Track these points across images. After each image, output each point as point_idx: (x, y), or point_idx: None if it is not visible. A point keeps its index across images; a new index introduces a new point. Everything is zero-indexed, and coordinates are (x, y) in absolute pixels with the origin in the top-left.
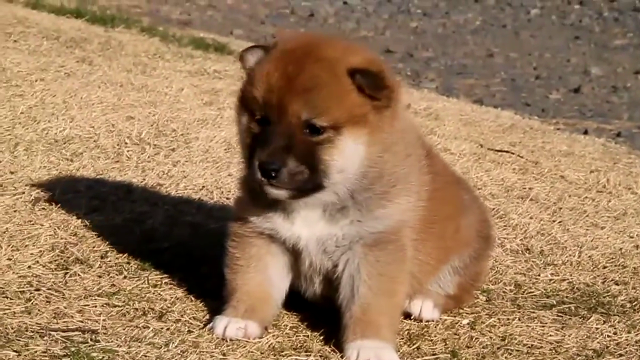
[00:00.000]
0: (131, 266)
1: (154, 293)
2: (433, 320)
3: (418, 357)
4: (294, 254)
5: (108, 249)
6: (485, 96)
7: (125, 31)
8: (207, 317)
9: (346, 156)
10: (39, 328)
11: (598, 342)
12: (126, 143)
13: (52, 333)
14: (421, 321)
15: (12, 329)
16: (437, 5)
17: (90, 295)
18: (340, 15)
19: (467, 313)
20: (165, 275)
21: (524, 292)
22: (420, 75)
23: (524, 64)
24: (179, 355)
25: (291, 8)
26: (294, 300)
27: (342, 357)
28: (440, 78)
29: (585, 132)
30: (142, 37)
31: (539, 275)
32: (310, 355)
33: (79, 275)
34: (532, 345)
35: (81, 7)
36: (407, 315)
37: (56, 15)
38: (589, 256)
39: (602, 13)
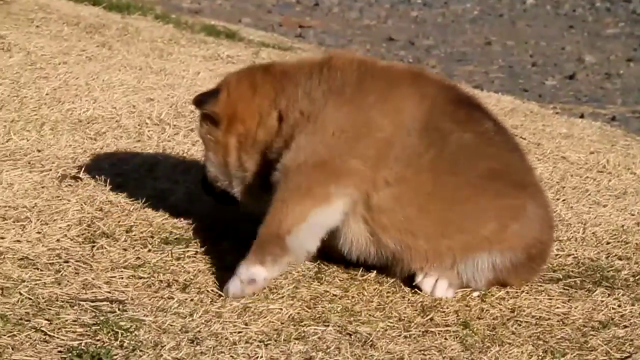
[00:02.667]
0: (155, 240)
1: (177, 266)
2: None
3: (432, 327)
4: None
5: (132, 224)
6: (485, 82)
7: (141, 18)
8: None
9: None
10: (68, 298)
11: (603, 314)
12: (147, 123)
13: (82, 303)
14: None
15: (43, 298)
16: None
17: (116, 268)
18: (343, 4)
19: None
20: (188, 249)
21: None
22: (421, 62)
23: (520, 52)
24: (203, 325)
25: None
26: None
27: None
28: (441, 65)
29: (582, 116)
30: (157, 24)
31: None
32: (328, 326)
33: (105, 248)
34: (540, 317)
35: None
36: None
37: (75, 2)
38: (593, 232)
39: (594, 3)
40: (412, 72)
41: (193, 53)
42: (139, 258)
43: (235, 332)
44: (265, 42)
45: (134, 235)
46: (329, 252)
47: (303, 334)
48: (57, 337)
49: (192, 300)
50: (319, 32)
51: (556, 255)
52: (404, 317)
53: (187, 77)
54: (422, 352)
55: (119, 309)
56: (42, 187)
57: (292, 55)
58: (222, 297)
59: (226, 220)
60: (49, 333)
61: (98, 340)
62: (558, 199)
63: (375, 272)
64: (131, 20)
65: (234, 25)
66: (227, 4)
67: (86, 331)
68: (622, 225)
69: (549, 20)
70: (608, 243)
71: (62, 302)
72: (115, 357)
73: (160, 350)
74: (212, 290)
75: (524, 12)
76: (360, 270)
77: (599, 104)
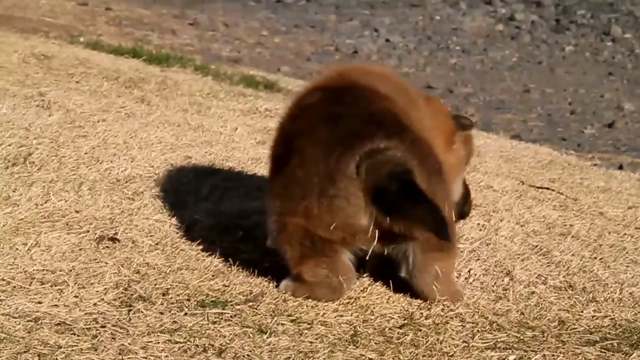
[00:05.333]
0: (191, 303)
1: (213, 329)
2: None
3: None
4: None
5: (169, 286)
6: (523, 131)
7: (180, 70)
8: (264, 353)
9: None
10: None
11: None
12: (184, 182)
13: None
14: None
15: None
16: (475, 42)
17: (153, 332)
18: (382, 52)
19: (514, 349)
20: (225, 312)
21: (567, 328)
22: (460, 111)
23: (559, 100)
24: None
25: (335, 46)
26: (351, 336)
27: None
28: (479, 113)
29: (620, 167)
30: (196, 76)
31: (582, 311)
32: None
33: (141, 312)
34: None
35: (137, 47)
36: None
37: (115, 55)
38: (630, 293)
39: (633, 50)
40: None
41: (231, 107)
42: (175, 322)
43: None
44: None
45: (171, 298)
46: None
47: None
48: None
49: None
50: None
51: (593, 316)
52: None
53: (224, 133)
54: None
55: None
56: (80, 250)
57: None
58: None
59: (264, 282)
60: None
61: None
62: (595, 258)
63: (411, 334)
64: (170, 73)
65: (272, 74)
66: (267, 52)
67: None
68: None
69: (588, 68)
70: None
71: None
72: None
73: None
74: (247, 355)
75: (563, 59)
76: (396, 332)
77: (638, 153)
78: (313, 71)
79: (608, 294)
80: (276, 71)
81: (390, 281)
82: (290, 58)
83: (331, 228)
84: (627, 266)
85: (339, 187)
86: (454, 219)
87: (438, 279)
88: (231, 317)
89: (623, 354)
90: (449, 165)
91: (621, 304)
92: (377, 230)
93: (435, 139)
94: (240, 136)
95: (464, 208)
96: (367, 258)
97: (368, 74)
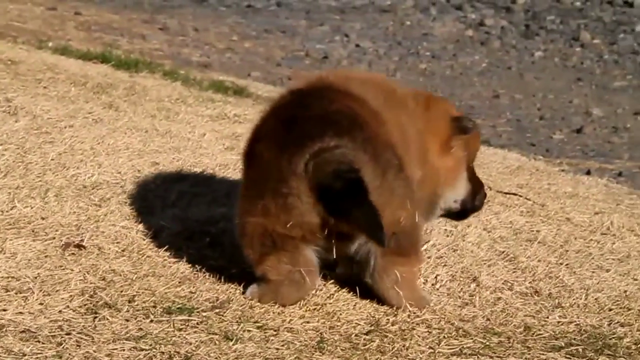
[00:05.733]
0: (157, 310)
1: (179, 336)
2: None
3: None
4: None
5: (135, 293)
6: (492, 136)
7: (149, 76)
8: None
9: None
10: None
11: None
12: (151, 188)
13: None
14: None
15: None
16: (445, 48)
17: (118, 339)
18: (352, 57)
19: (480, 355)
20: (191, 319)
21: (533, 334)
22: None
23: (528, 105)
24: None
25: (306, 51)
26: (318, 342)
27: None
28: None
29: (588, 172)
30: (165, 82)
31: (548, 317)
32: None
33: (107, 319)
34: None
35: (106, 52)
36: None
37: (83, 60)
38: (595, 298)
39: (602, 55)
40: None
41: (200, 113)
42: (140, 329)
43: None
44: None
45: (137, 305)
46: None
47: None
48: None
49: None
50: None
51: (558, 322)
52: None
53: (192, 139)
54: None
55: None
56: (45, 257)
57: None
58: None
59: (230, 288)
60: None
61: None
62: (561, 264)
63: (377, 341)
64: (139, 78)
65: (242, 79)
66: (237, 57)
67: None
68: (625, 291)
69: (557, 73)
70: (610, 309)
71: None
72: None
73: None
74: None
75: (532, 65)
76: (363, 339)
77: (606, 158)
78: (283, 76)
79: (574, 299)
80: (246, 76)
81: (357, 287)
82: (260, 63)
83: (288, 226)
84: (593, 272)
85: (291, 186)
86: (416, 219)
87: (398, 283)
88: (197, 324)
89: None
90: (446, 168)
91: (586, 310)
92: (329, 229)
93: (427, 141)
94: (209, 142)
95: (474, 203)
96: (334, 257)
97: (347, 77)
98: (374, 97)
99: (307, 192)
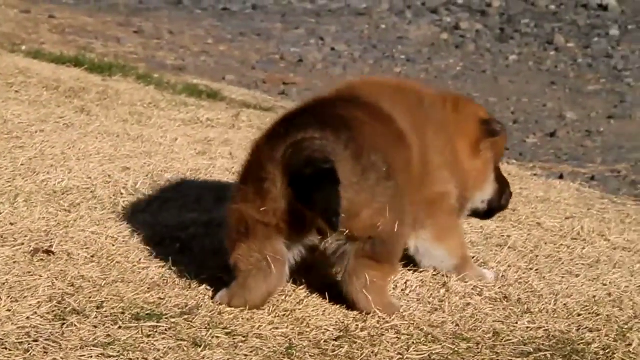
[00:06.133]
0: (126, 316)
1: (147, 343)
2: None
3: None
4: None
5: (104, 300)
6: None
7: (122, 79)
8: None
9: None
10: None
11: None
12: (122, 194)
13: None
14: None
15: None
16: (420, 51)
17: (86, 346)
18: (327, 60)
19: None
20: (160, 325)
21: (502, 339)
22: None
23: (502, 109)
24: None
25: (281, 54)
26: (286, 349)
27: None
28: None
29: (561, 176)
30: (138, 86)
31: (517, 323)
32: None
33: (75, 325)
34: None
35: (80, 56)
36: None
37: (56, 64)
38: (564, 304)
39: (576, 59)
40: None
41: (172, 117)
42: (109, 335)
43: None
44: (247, 102)
45: (105, 311)
46: None
47: None
48: None
49: None
50: (302, 89)
51: (527, 328)
52: None
53: (164, 143)
54: None
55: None
56: (14, 262)
57: (273, 116)
58: None
59: (200, 294)
60: None
61: None
62: (531, 269)
63: (346, 347)
64: (112, 82)
65: (217, 83)
66: (211, 61)
67: None
68: (594, 296)
69: (531, 77)
70: (579, 315)
71: None
72: None
73: None
74: None
75: (507, 68)
76: (332, 345)
77: (579, 162)
78: (258, 79)
79: (543, 305)
80: (221, 80)
81: (327, 293)
82: (235, 66)
83: (261, 210)
84: (563, 277)
85: (268, 171)
86: (396, 229)
87: (367, 287)
88: (166, 330)
89: None
90: (475, 170)
91: (555, 315)
92: (302, 218)
93: (458, 144)
94: (180, 147)
95: (500, 202)
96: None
97: (374, 84)
98: (399, 106)
99: (282, 177)
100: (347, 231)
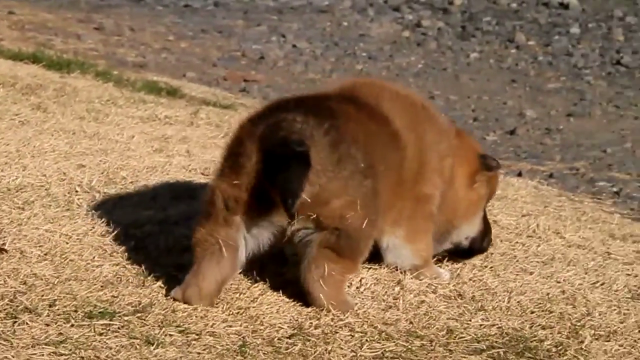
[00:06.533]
0: (78, 314)
1: (100, 341)
2: None
3: None
4: None
5: (56, 298)
6: None
7: (80, 77)
8: None
9: None
10: None
11: None
12: (77, 191)
13: None
14: None
15: None
16: (382, 49)
17: (37, 344)
18: (289, 57)
19: (402, 358)
20: (112, 323)
21: (455, 337)
22: None
23: (463, 106)
24: None
25: (242, 51)
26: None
27: None
28: None
29: (520, 174)
30: (97, 83)
31: (470, 320)
32: None
33: (27, 324)
34: None
35: (38, 52)
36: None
37: (14, 60)
38: (518, 301)
39: (537, 57)
40: None
41: (130, 114)
42: (61, 334)
43: None
44: (206, 100)
45: (57, 309)
46: None
47: None
48: None
49: None
50: (263, 87)
51: (481, 325)
52: None
53: (121, 141)
54: None
55: None
56: None
57: (232, 114)
58: None
59: (153, 292)
60: None
61: None
62: (486, 267)
63: (300, 345)
64: (70, 79)
65: (177, 80)
66: (173, 58)
67: None
68: (548, 294)
69: (492, 74)
70: (532, 312)
71: None
72: None
73: None
74: None
75: (468, 66)
76: (285, 342)
77: (538, 160)
78: (219, 76)
79: (496, 302)
80: (181, 77)
81: (281, 291)
82: (196, 63)
83: (234, 183)
84: (517, 275)
85: (245, 146)
86: (364, 226)
87: (324, 278)
88: (119, 328)
89: None
90: (468, 200)
91: (509, 313)
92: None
93: (457, 169)
94: (137, 144)
95: (482, 244)
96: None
97: (375, 86)
98: (397, 107)
99: (257, 153)
100: (314, 215)
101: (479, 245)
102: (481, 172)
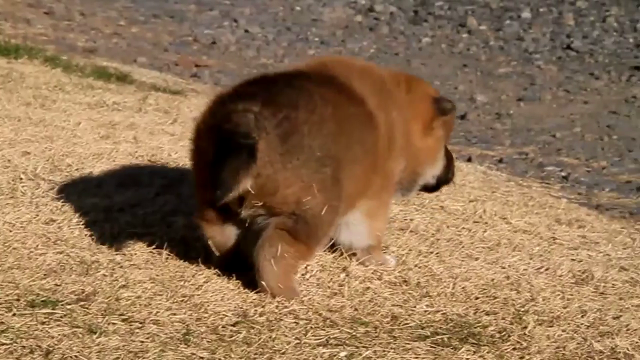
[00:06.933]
0: (21, 303)
1: (42, 330)
2: None
3: None
4: None
5: None
6: None
7: (29, 62)
8: (93, 354)
9: None
10: None
11: None
12: (21, 178)
13: None
14: None
15: None
16: (334, 33)
17: None
18: (241, 43)
19: (346, 345)
20: (55, 312)
21: (400, 323)
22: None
23: None
24: None
25: (194, 36)
26: (184, 334)
27: None
28: None
29: (469, 159)
30: (45, 68)
31: (415, 306)
32: None
33: None
34: None
35: None
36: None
37: None
38: (463, 287)
39: (488, 42)
40: None
41: (78, 100)
42: (2, 323)
43: None
44: (156, 85)
45: None
46: None
47: None
48: None
49: None
50: (214, 72)
51: (425, 311)
52: None
53: (67, 127)
54: None
55: None
56: None
57: (182, 100)
58: None
59: (97, 281)
60: None
61: None
62: (431, 252)
63: (244, 332)
64: (17, 65)
65: (127, 65)
66: (124, 43)
67: None
68: (492, 279)
69: (444, 59)
70: (477, 298)
71: None
72: None
73: None
74: (75, 356)
75: (420, 51)
76: (229, 330)
77: (488, 145)
78: (170, 62)
79: (441, 288)
80: (132, 62)
81: (226, 279)
82: (147, 48)
83: (200, 175)
84: (462, 260)
85: (205, 131)
86: (323, 213)
87: (275, 258)
88: (61, 317)
89: (452, 349)
90: (427, 148)
91: (453, 299)
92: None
93: (412, 123)
94: (83, 131)
95: (447, 176)
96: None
97: (342, 63)
98: (368, 87)
99: (211, 139)
100: (260, 203)
101: (444, 177)
102: (437, 118)
